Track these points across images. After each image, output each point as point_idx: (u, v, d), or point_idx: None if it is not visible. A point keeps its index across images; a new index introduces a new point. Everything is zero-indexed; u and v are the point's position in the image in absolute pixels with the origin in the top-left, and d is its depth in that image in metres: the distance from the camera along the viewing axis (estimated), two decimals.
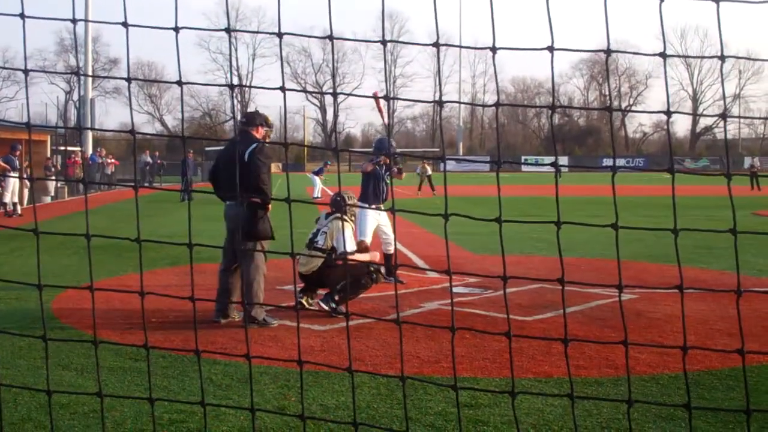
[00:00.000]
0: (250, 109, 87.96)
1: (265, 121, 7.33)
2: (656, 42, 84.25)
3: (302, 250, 7.67)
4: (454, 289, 8.57)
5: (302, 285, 7.65)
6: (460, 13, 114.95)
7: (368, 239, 8.94)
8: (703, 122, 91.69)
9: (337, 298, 7.29)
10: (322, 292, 7.56)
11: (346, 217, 7.62)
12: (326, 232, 7.61)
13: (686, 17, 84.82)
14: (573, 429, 4.18)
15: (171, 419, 4.29)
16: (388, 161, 9.11)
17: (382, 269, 8.26)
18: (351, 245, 7.47)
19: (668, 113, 1.89)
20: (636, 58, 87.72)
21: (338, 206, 7.66)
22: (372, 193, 9.21)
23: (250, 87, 2.31)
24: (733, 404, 4.69)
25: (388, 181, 9.31)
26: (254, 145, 6.94)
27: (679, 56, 1.93)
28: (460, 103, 2.43)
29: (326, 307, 7.21)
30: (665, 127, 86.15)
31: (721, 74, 1.90)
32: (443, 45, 2.04)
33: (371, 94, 7.61)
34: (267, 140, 7.33)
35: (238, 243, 6.93)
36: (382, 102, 8.44)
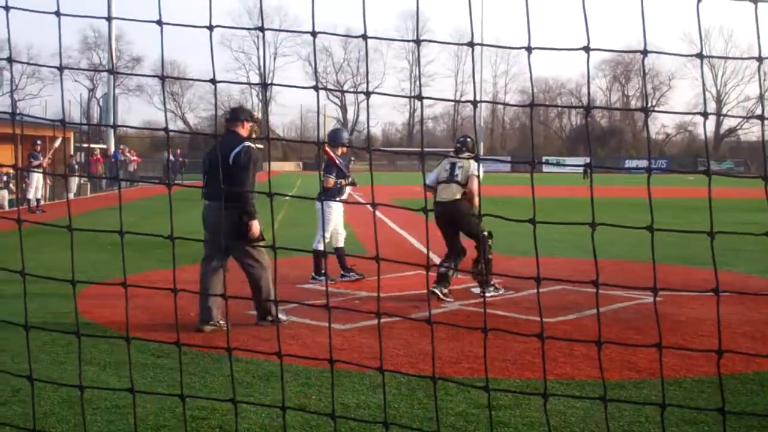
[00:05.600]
0: (272, 107, 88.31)
1: (250, 116, 6.96)
2: (680, 43, 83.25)
3: (439, 186, 7.82)
4: (474, 290, 8.55)
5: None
6: (482, 12, 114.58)
7: (332, 229, 9.06)
8: (727, 124, 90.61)
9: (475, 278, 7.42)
10: (447, 288, 7.80)
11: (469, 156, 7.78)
12: (462, 167, 7.61)
13: (710, 18, 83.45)
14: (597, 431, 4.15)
15: (193, 416, 4.32)
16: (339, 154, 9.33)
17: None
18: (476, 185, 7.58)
19: (705, 115, 1.87)
20: (659, 59, 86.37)
21: (465, 145, 7.94)
22: (336, 190, 9.30)
23: (281, 85, 2.32)
24: (758, 408, 4.64)
25: (349, 176, 9.41)
26: (240, 147, 6.60)
27: (716, 57, 1.91)
28: (495, 103, 2.42)
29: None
30: (689, 128, 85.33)
31: (759, 76, 1.88)
32: (477, 44, 2.03)
33: (324, 147, 7.98)
34: (254, 135, 7.01)
35: (233, 246, 6.69)
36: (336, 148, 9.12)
